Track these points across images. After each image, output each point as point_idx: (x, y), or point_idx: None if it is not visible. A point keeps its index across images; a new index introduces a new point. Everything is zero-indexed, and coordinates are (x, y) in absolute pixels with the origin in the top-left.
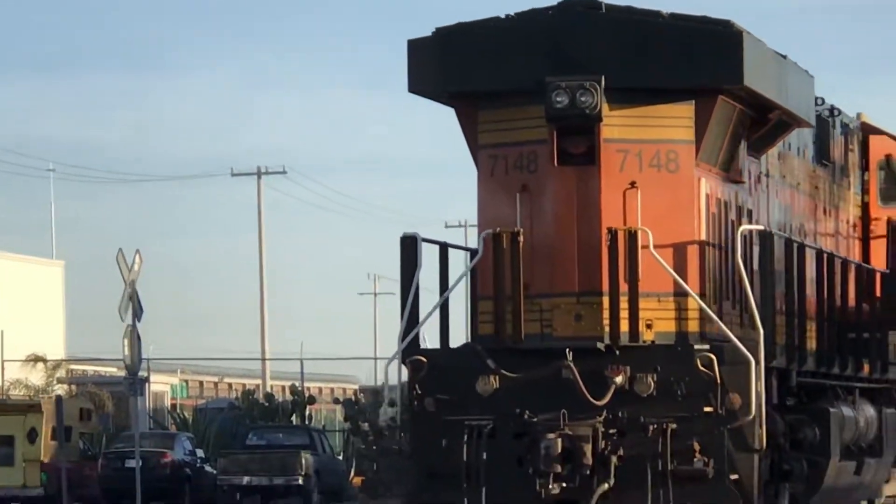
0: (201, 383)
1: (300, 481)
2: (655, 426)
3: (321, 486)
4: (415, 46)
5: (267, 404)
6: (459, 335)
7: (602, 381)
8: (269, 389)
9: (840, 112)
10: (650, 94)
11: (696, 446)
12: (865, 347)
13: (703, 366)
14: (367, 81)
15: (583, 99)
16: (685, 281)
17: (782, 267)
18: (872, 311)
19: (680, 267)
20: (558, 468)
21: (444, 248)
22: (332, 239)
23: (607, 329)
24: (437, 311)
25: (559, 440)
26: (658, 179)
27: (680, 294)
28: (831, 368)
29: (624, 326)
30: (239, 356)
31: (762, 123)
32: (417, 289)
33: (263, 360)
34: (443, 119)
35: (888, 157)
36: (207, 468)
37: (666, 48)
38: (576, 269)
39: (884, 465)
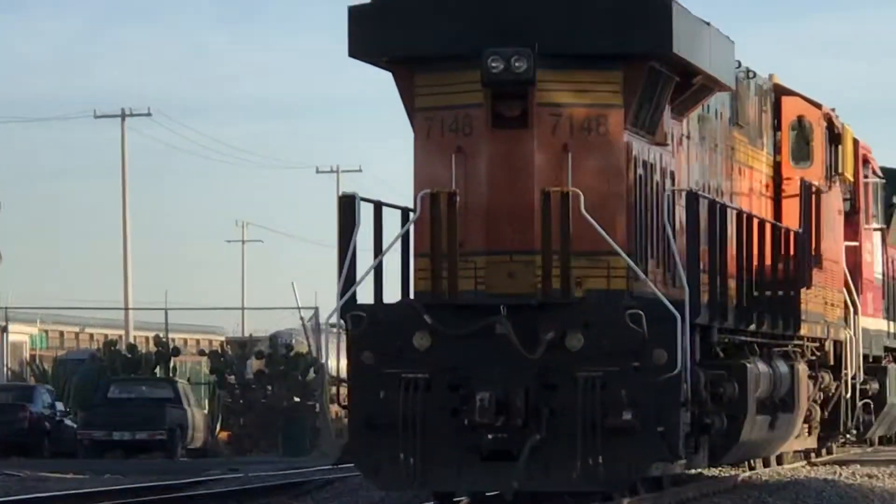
0: (62, 333)
1: (164, 436)
2: (585, 380)
3: (186, 441)
4: (354, 12)
5: (130, 356)
6: (390, 291)
7: (534, 336)
8: (131, 340)
9: (755, 74)
10: (582, 60)
11: (625, 400)
12: (780, 305)
13: (631, 322)
14: (237, 21)
15: (517, 64)
16: (614, 241)
17: (706, 227)
18: (786, 269)
19: (609, 227)
20: (492, 420)
21: (378, 206)
22: (198, 184)
23: (539, 286)
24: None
25: (493, 393)
26: (589, 142)
27: (609, 253)
28: (749, 325)
29: (555, 284)
30: (101, 305)
31: (686, 88)
32: (355, 247)
33: (126, 309)
34: (313, 63)
35: (800, 117)
36: (67, 422)
37: (598, 16)
38: (509, 228)
39: (795, 419)
